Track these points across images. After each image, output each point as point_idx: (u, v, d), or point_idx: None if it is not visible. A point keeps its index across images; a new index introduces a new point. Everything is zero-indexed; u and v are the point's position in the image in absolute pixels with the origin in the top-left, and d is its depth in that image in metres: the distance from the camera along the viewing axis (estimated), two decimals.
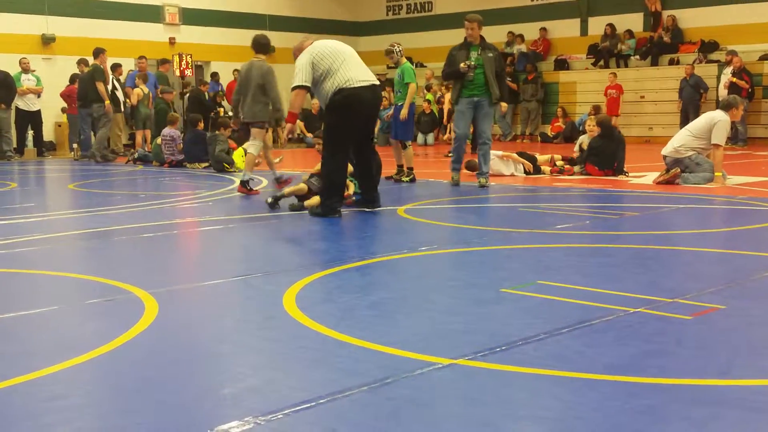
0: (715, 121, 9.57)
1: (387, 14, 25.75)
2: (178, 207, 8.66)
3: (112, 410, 2.79)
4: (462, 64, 9.46)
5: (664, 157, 9.88)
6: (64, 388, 2.96)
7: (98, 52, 15.82)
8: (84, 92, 15.91)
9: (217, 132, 12.97)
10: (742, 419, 2.58)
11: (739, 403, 2.71)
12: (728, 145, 15.01)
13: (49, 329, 3.81)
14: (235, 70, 21.59)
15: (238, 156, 12.60)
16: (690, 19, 20.05)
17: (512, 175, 11.06)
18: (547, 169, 11.24)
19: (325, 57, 7.31)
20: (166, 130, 14.05)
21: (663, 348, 3.30)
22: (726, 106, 9.76)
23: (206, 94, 19.28)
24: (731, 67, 17.40)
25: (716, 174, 9.46)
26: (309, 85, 7.32)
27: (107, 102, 15.50)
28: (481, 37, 9.74)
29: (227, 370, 3.18)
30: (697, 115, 18.09)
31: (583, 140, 11.66)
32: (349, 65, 7.35)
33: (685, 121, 18.45)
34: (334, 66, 7.29)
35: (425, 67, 22.24)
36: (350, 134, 7.42)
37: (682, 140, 9.77)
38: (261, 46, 9.62)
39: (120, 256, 5.86)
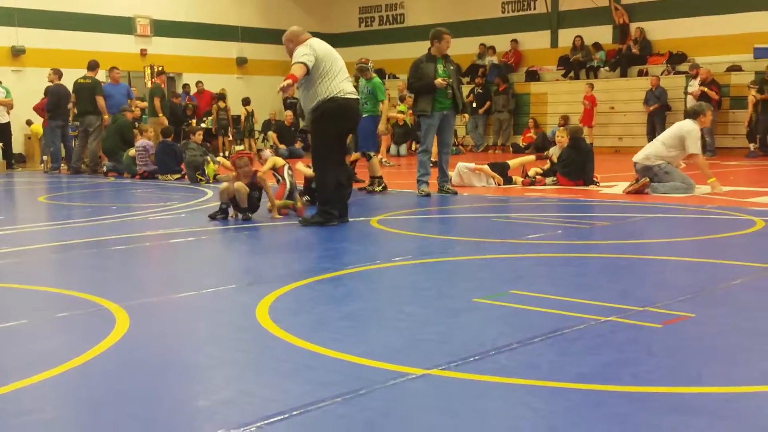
0: (684, 131, 9.71)
1: (359, 26, 25.83)
2: (149, 219, 8.60)
3: (83, 425, 2.77)
4: (441, 80, 9.68)
5: (635, 164, 9.99)
6: (35, 403, 2.92)
7: (94, 65, 15.53)
8: (54, 104, 15.75)
9: (188, 140, 12.97)
10: (712, 427, 2.61)
11: (709, 411, 2.74)
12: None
13: (18, 343, 3.76)
14: (199, 82, 21.53)
15: (211, 168, 12.57)
16: (658, 31, 20.32)
17: (484, 187, 11.12)
18: (518, 179, 11.31)
19: (326, 57, 7.46)
20: (140, 141, 13.97)
21: (634, 356, 3.34)
22: (693, 114, 9.90)
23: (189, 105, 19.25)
24: (698, 80, 17.63)
25: (710, 180, 9.59)
26: (311, 66, 7.31)
27: (106, 117, 15.27)
28: None
29: (200, 382, 3.16)
30: (663, 125, 18.33)
31: (553, 151, 11.75)
32: (342, 76, 7.55)
33: (651, 131, 18.67)
34: (332, 71, 7.43)
35: (398, 78, 22.31)
36: (339, 142, 7.65)
37: (653, 149, 9.90)
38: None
39: (91, 269, 5.80)
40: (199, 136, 13.05)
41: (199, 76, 21.78)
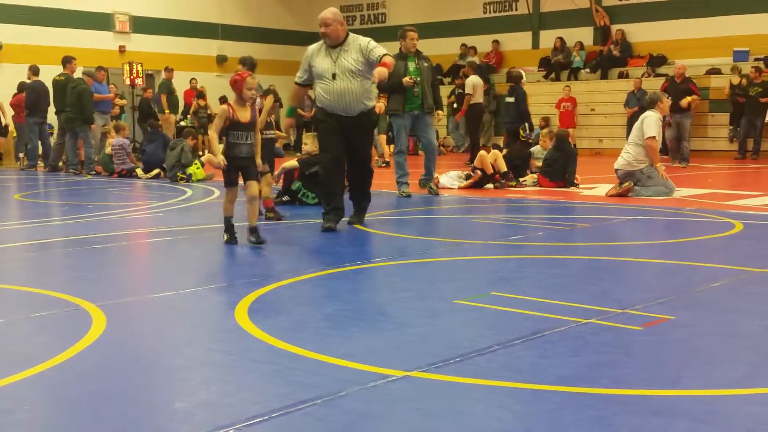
0: (643, 119, 9.93)
1: None
2: (128, 218, 8.54)
3: (59, 425, 2.73)
4: (407, 79, 9.63)
5: (617, 170, 10.03)
6: (10, 403, 2.88)
7: (67, 61, 15.37)
8: (33, 101, 15.60)
9: (184, 140, 12.82)
10: (692, 429, 2.61)
11: (688, 414, 2.74)
12: (674, 164, 15.20)
13: None
14: (192, 79, 21.40)
15: (193, 169, 12.48)
16: (638, 34, 20.46)
17: (458, 188, 11.04)
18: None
19: None
20: (116, 140, 13.86)
21: (614, 359, 3.34)
22: (651, 103, 10.09)
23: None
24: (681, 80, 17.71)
25: (657, 165, 9.73)
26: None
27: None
28: (416, 48, 10.02)
29: (178, 384, 3.13)
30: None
31: (536, 151, 11.81)
32: None
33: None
34: None
35: None
36: None
37: (633, 152, 9.93)
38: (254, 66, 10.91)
39: (67, 268, 5.74)
40: (191, 141, 13.03)
41: (178, 74, 21.64)
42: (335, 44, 7.08)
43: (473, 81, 16.03)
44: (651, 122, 9.82)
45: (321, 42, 7.23)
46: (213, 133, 6.44)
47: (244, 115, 6.26)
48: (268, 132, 7.62)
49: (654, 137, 9.76)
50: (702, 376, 3.14)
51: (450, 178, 11.09)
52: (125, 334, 3.84)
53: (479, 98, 16.28)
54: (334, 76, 7.00)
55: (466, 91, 16.20)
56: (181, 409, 2.82)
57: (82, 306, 4.28)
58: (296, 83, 7.47)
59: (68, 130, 14.75)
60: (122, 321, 4.04)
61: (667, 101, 10.38)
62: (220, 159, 6.27)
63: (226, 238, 6.26)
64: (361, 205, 7.51)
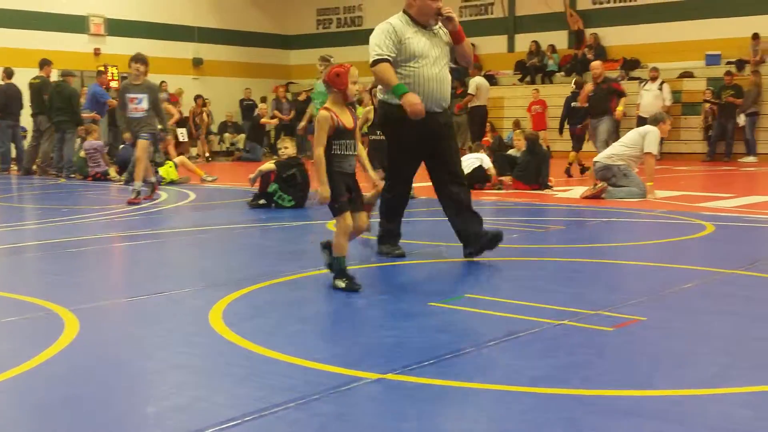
0: (644, 132, 10.04)
1: (317, 28, 25.76)
2: (102, 221, 8.47)
3: (30, 431, 2.71)
4: None
5: (595, 163, 10.14)
6: None
7: (43, 64, 15.31)
8: (3, 104, 15.45)
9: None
10: (662, 430, 2.64)
11: (659, 414, 2.77)
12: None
13: None
14: (162, 82, 21.29)
15: (166, 169, 12.42)
16: (612, 37, 20.63)
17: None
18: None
19: None
20: (88, 143, 13.76)
21: (586, 360, 3.37)
22: (654, 121, 10.21)
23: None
24: (656, 83, 17.84)
25: (648, 183, 9.80)
26: None
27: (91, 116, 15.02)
28: None
29: (151, 388, 3.11)
30: (617, 130, 18.47)
31: (512, 151, 11.91)
32: None
33: None
34: None
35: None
36: None
37: (615, 150, 10.10)
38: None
39: (39, 272, 5.70)
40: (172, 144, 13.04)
41: (154, 77, 21.50)
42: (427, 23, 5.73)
43: (477, 81, 16.06)
44: (653, 138, 9.93)
45: (401, 16, 5.84)
46: (320, 153, 4.64)
47: (347, 119, 4.73)
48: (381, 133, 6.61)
49: (653, 155, 9.93)
50: (672, 377, 3.18)
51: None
52: (98, 339, 3.81)
53: (482, 100, 16.28)
54: (435, 59, 5.65)
55: (469, 91, 16.31)
56: (152, 414, 2.81)
57: (54, 310, 4.24)
58: (386, 59, 5.74)
59: (58, 132, 14.63)
60: (95, 325, 4.01)
61: (669, 123, 10.59)
62: (326, 191, 4.66)
63: (344, 285, 4.67)
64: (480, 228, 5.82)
